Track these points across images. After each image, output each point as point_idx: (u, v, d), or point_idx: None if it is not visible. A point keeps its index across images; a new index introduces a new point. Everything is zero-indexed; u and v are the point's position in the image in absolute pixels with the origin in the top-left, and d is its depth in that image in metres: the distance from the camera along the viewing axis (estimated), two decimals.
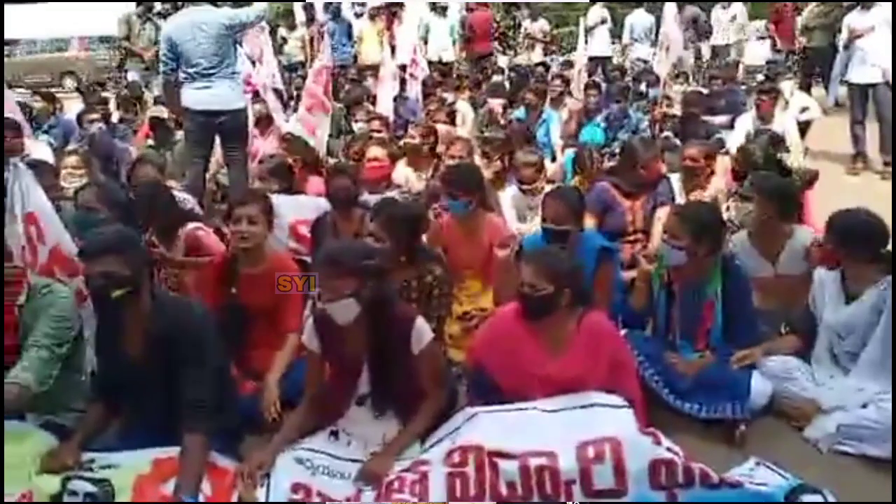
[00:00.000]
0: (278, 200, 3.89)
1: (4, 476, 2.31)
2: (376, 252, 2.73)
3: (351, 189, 3.83)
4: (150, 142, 6.48)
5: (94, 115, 6.28)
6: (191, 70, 5.03)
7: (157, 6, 9.37)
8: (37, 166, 4.43)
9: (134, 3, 9.23)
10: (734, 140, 6.21)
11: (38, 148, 5.93)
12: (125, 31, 9.01)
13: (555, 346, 2.72)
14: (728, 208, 4.06)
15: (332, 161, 5.60)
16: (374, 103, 7.92)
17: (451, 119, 6.61)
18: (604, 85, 8.30)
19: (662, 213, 3.82)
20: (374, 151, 4.81)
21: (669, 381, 2.98)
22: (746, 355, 3.00)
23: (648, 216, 4.15)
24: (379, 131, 5.96)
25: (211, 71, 5.01)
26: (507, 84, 9.20)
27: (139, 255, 2.49)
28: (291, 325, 3.21)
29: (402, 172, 5.03)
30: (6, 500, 2.28)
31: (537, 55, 11.84)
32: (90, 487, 2.30)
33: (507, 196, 4.62)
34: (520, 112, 7.31)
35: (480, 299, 3.69)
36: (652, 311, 3.24)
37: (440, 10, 10.38)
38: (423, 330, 2.60)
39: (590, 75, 9.35)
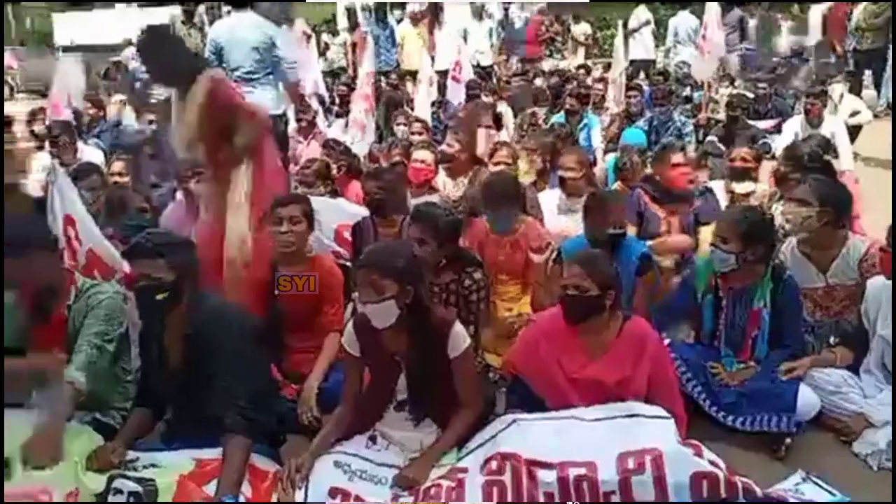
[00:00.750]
0: (323, 204, 3.94)
1: (51, 473, 2.37)
2: (416, 254, 2.73)
3: (386, 194, 3.84)
4: None
5: (151, 116, 6.45)
6: (234, 74, 5.12)
7: (201, 12, 9.58)
8: (88, 170, 4.58)
9: (178, 7, 9.43)
10: (782, 144, 6.06)
11: (90, 152, 6.12)
12: None
13: (596, 350, 2.72)
14: (772, 214, 3.96)
15: (373, 166, 5.64)
16: (414, 108, 7.97)
17: (496, 123, 6.59)
18: (646, 88, 8.18)
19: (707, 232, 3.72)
20: (421, 154, 4.81)
21: (713, 392, 2.93)
22: (794, 367, 2.92)
23: (689, 229, 4.07)
24: (420, 134, 5.99)
25: (253, 76, 5.10)
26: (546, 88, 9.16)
27: (184, 258, 2.54)
28: (333, 328, 3.23)
29: (440, 178, 5.03)
30: (55, 496, 2.34)
31: (579, 58, 11.75)
32: (134, 486, 2.34)
33: (549, 198, 4.60)
34: (560, 116, 7.26)
35: (519, 304, 3.68)
36: (689, 316, 3.19)
37: (478, 14, 10.39)
38: (460, 335, 2.59)
39: (631, 78, 9.23)
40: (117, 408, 2.88)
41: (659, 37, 12.14)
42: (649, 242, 3.83)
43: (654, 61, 11.57)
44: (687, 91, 8.66)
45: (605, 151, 6.74)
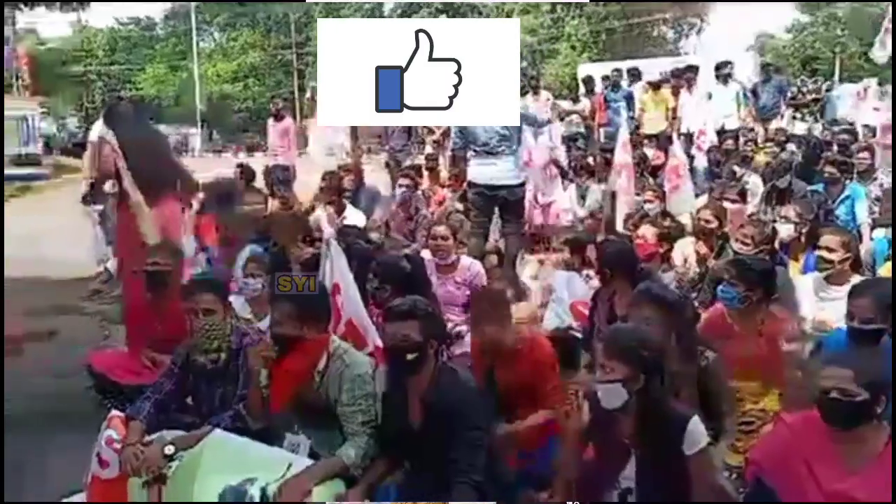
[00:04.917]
0: (562, 280, 4.06)
1: None
2: (654, 341, 2.65)
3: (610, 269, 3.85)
4: (458, 205, 6.76)
5: (406, 181, 6.95)
6: (479, 147, 5.44)
7: None
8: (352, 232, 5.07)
9: None
10: None
11: (353, 214, 6.75)
12: None
13: (855, 462, 2.39)
14: None
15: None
16: (652, 173, 7.84)
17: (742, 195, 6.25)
18: None
19: None
20: (643, 230, 4.76)
21: None
22: None
23: None
24: (651, 202, 5.88)
25: (497, 149, 5.38)
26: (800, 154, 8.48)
27: (433, 325, 2.75)
28: (549, 405, 3.26)
29: (683, 252, 4.85)
30: None
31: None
32: None
33: (805, 282, 4.19)
34: (818, 186, 6.64)
35: (762, 400, 3.38)
36: None
37: (724, 78, 9.99)
38: (697, 431, 2.48)
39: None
40: None
41: None
42: None
43: None
44: None
45: (873, 227, 6.03)
